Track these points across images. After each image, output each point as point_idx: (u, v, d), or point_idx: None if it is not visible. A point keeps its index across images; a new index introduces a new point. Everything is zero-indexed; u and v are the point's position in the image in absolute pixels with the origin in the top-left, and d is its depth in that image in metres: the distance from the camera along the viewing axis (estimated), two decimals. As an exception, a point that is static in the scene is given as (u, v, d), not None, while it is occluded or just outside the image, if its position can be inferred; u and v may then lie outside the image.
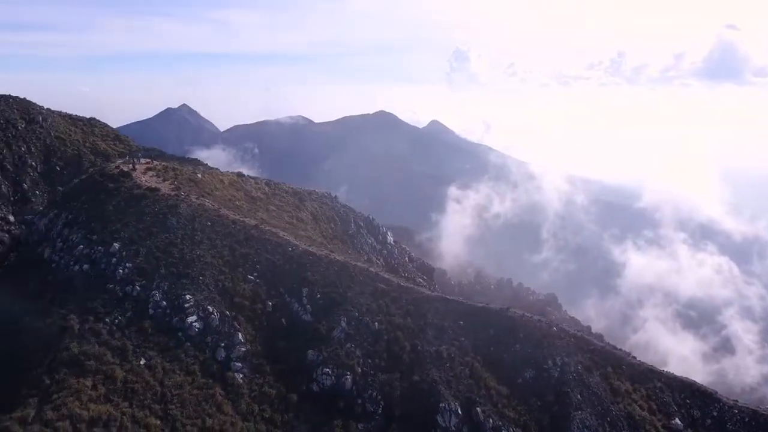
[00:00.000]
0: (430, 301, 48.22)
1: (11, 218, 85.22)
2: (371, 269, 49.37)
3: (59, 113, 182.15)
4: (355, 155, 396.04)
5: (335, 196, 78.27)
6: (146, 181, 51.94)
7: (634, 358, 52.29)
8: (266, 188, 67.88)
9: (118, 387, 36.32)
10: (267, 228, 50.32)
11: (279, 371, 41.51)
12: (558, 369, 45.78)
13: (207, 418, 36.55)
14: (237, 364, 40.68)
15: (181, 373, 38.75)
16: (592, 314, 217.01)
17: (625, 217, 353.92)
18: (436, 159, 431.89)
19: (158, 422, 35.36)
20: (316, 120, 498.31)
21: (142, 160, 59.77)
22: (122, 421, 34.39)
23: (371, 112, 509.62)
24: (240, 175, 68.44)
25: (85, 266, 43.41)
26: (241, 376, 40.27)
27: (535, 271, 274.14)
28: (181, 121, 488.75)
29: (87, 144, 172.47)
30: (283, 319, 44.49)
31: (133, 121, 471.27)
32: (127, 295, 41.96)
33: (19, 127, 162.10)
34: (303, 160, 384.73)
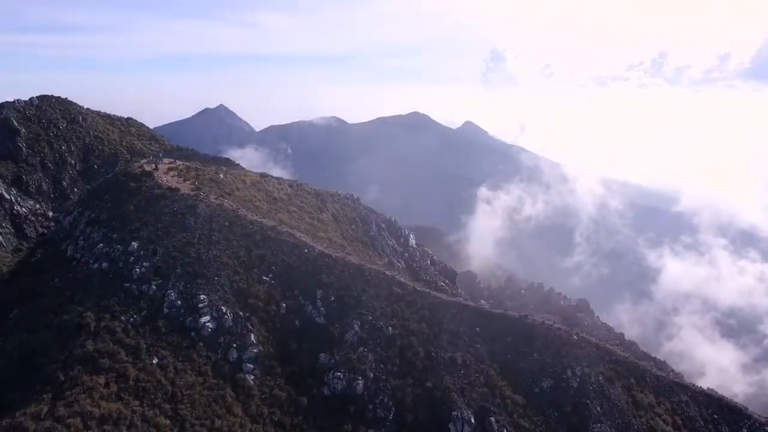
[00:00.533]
0: (446, 306, 47.39)
1: (50, 214, 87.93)
2: (387, 272, 48.81)
3: (98, 113, 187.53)
4: (387, 156, 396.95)
5: (357, 198, 78.02)
6: (167, 181, 52.57)
7: (661, 369, 50.40)
8: (288, 189, 68.01)
9: (130, 385, 36.63)
10: (284, 229, 50.28)
11: (290, 373, 41.33)
12: (577, 379, 44.41)
13: (216, 419, 36.56)
14: (248, 365, 40.64)
15: (192, 373, 38.88)
16: (624, 320, 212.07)
17: (661, 221, 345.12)
18: (469, 160, 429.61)
19: (167, 422, 35.50)
20: (350, 121, 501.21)
21: (165, 160, 60.58)
22: (132, 420, 34.62)
23: (405, 113, 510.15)
24: (263, 175, 68.78)
25: (104, 264, 44.07)
26: (252, 377, 40.21)
27: (566, 275, 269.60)
28: (218, 121, 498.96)
29: (124, 143, 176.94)
30: (296, 321, 44.31)
31: (173, 120, 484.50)
32: (143, 294, 42.38)
33: (60, 127, 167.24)
34: (335, 160, 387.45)
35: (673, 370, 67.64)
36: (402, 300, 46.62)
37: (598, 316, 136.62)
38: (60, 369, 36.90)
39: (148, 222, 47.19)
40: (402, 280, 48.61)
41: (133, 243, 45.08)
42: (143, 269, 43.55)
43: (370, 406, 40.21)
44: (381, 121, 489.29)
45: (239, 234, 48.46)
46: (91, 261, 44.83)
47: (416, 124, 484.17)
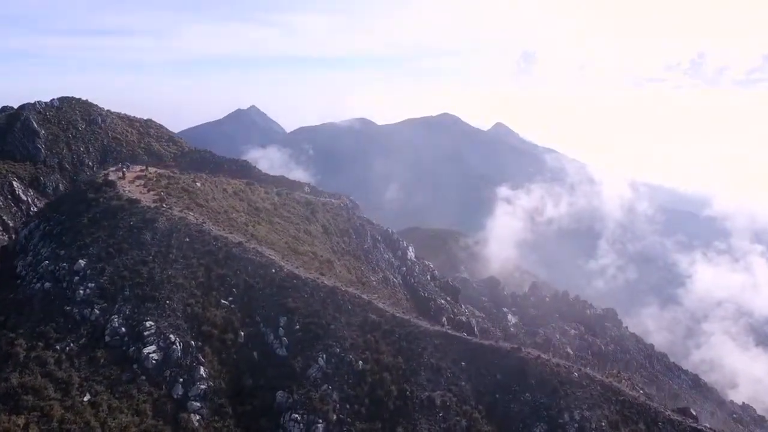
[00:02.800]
0: (429, 336, 41.93)
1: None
2: (364, 296, 43.60)
3: (118, 114, 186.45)
4: (410, 157, 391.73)
5: (354, 206, 73.04)
6: (130, 191, 48.34)
7: (675, 412, 44.03)
8: (276, 198, 63.42)
9: (53, 427, 32.28)
10: (252, 246, 45.50)
11: (242, 414, 36.55)
12: (576, 424, 38.66)
13: (148, 469, 32.03)
14: (195, 403, 35.99)
15: (128, 413, 34.38)
16: (650, 326, 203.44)
17: (692, 225, 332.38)
18: (498, 161, 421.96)
19: (92, 472, 31.10)
20: (380, 122, 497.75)
21: (135, 168, 56.44)
22: (48, 470, 30.31)
23: (434, 114, 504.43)
24: (249, 183, 64.27)
25: (47, 284, 39.96)
26: (198, 417, 35.56)
27: (590, 278, 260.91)
28: (249, 122, 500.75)
29: (142, 145, 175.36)
30: (254, 353, 39.49)
31: (206, 121, 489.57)
32: (85, 319, 38.09)
33: (80, 128, 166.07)
34: (358, 162, 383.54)
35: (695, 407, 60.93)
36: (378, 329, 41.37)
37: (626, 326, 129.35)
38: (-22, 406, 32.81)
39: (99, 237, 42.91)
40: (380, 305, 43.34)
41: (80, 261, 40.83)
42: (88, 291, 39.25)
43: (331, 455, 35.17)
44: (409, 123, 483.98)
45: (200, 251, 43.85)
46: (35, 280, 40.76)
47: (446, 124, 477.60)
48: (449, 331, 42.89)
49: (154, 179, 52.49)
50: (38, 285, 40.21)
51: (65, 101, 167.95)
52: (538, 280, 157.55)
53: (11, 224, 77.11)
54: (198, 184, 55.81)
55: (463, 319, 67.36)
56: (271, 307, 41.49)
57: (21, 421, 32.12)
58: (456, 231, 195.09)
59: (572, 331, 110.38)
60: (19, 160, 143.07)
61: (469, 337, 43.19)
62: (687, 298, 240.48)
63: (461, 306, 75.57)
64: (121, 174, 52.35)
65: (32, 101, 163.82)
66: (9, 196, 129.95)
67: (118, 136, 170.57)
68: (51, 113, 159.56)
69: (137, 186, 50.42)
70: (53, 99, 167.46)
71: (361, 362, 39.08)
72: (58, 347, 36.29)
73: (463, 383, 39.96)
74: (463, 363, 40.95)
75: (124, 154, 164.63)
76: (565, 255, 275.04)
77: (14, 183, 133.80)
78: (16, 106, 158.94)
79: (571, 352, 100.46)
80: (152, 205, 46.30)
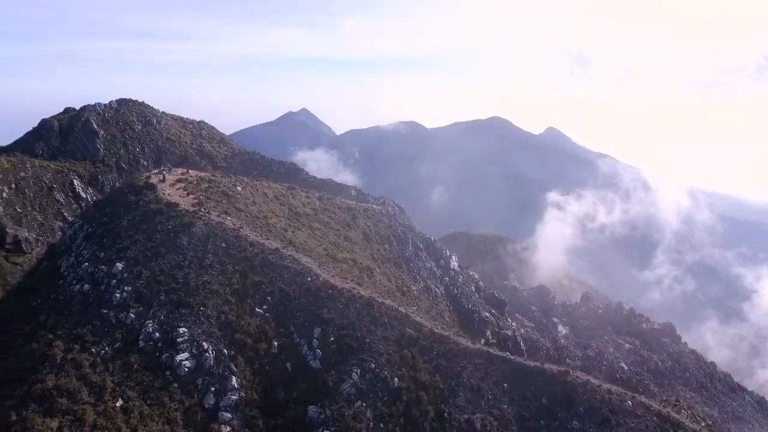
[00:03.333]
0: (469, 355, 39.74)
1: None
2: (401, 309, 41.82)
3: (172, 116, 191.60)
4: (459, 160, 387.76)
5: (398, 211, 71.33)
6: (169, 195, 48.29)
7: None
8: (317, 203, 62.47)
9: (84, 432, 32.05)
10: (288, 252, 44.49)
11: (273, 427, 35.43)
12: (628, 458, 35.54)
13: (176, 481, 31.28)
14: (226, 414, 35.13)
15: (159, 421, 33.89)
16: (710, 342, 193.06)
17: (757, 237, 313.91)
18: (549, 166, 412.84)
19: (120, 481, 30.59)
20: (429, 125, 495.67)
21: (177, 170, 56.55)
22: (78, 477, 29.96)
23: (484, 117, 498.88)
24: (291, 188, 63.55)
25: (86, 286, 40.11)
26: (228, 429, 34.71)
27: (644, 289, 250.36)
28: (299, 124, 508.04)
29: (194, 146, 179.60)
30: (288, 364, 38.36)
31: (259, 123, 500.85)
32: (120, 323, 37.94)
33: (136, 129, 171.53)
34: (406, 165, 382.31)
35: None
36: (415, 345, 39.49)
37: (685, 342, 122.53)
38: (15, 406, 32.93)
39: (138, 240, 42.86)
40: (418, 319, 41.45)
41: (118, 264, 40.82)
42: (124, 294, 39.15)
43: (362, 476, 33.55)
44: (458, 126, 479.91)
45: (236, 257, 43.16)
46: (75, 281, 41.02)
47: (496, 128, 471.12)
48: (491, 350, 40.54)
49: (195, 182, 52.41)
50: (78, 286, 40.42)
51: (123, 103, 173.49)
52: (589, 289, 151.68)
53: (72, 220, 79.10)
54: (239, 188, 55.43)
55: (509, 333, 64.55)
56: (305, 317, 40.31)
57: (54, 424, 32.04)
58: (504, 236, 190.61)
59: (627, 346, 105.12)
60: (79, 159, 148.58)
61: (512, 357, 40.71)
62: (752, 314, 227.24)
63: (507, 319, 72.56)
64: (162, 177, 52.47)
65: (93, 103, 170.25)
66: (70, 194, 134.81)
67: (172, 137, 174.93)
68: (110, 114, 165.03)
69: (177, 189, 50.41)
70: (112, 101, 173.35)
71: (396, 379, 37.32)
72: (93, 350, 36.21)
73: (504, 406, 37.58)
74: (505, 385, 38.56)
75: (177, 155, 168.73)
76: (618, 264, 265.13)
77: (75, 181, 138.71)
78: (78, 108, 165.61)
79: (626, 367, 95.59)
80: (190, 209, 46.04)
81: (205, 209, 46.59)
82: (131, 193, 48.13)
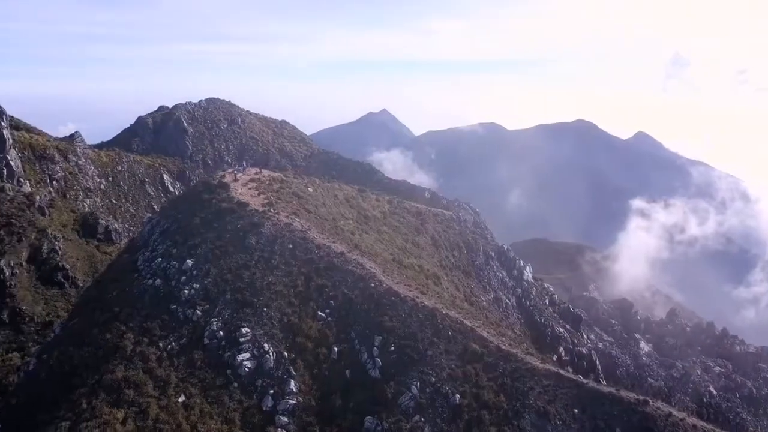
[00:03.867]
0: (538, 375, 37.31)
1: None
2: (466, 322, 40.01)
3: (256, 115, 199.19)
4: (541, 163, 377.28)
5: (467, 218, 69.23)
6: (241, 194, 49.05)
7: None
8: (386, 206, 61.74)
9: (147, 425, 32.85)
10: (354, 257, 43.88)
11: (329, 436, 34.76)
12: (714, 505, 31.95)
13: (230, 482, 31.32)
14: (283, 418, 34.90)
15: (218, 420, 34.16)
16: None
17: None
18: (636, 172, 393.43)
19: (177, 476, 31.01)
20: (510, 127, 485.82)
21: (251, 170, 57.55)
22: (139, 469, 30.65)
23: (569, 120, 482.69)
24: (361, 190, 63.21)
25: (158, 281, 41.35)
26: (284, 433, 34.39)
27: (738, 307, 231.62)
28: (379, 125, 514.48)
29: (276, 145, 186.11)
30: (347, 371, 37.61)
31: (340, 123, 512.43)
32: (188, 319, 38.73)
33: (222, 127, 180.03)
34: (483, 167, 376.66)
35: None
36: (479, 361, 37.61)
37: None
38: (86, 395, 34.31)
39: (208, 238, 43.75)
40: (484, 334, 39.49)
41: (188, 261, 41.82)
42: (192, 291, 39.98)
43: (417, 495, 32.19)
44: (542, 128, 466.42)
45: (302, 259, 43.05)
46: (148, 276, 42.40)
47: (581, 131, 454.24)
48: (561, 372, 37.86)
49: (267, 183, 53.09)
50: (150, 281, 41.74)
51: (211, 102, 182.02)
52: (673, 303, 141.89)
53: (150, 216, 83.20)
54: (310, 190, 55.64)
55: (584, 351, 60.81)
56: (367, 324, 39.47)
57: (120, 415, 33.03)
58: (584, 245, 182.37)
59: (717, 369, 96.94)
60: (169, 154, 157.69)
61: (584, 381, 37.82)
62: None
63: (583, 335, 68.57)
64: (235, 176, 53.60)
65: (184, 102, 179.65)
66: (160, 187, 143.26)
67: (255, 136, 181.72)
68: (198, 113, 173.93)
69: (249, 189, 51.23)
70: (201, 100, 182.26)
71: (458, 396, 35.64)
72: (160, 344, 37.13)
73: (574, 434, 34.91)
74: (575, 410, 35.82)
75: (259, 153, 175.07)
76: (709, 279, 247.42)
77: (164, 175, 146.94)
78: (170, 106, 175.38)
79: (714, 392, 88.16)
80: (260, 209, 46.53)
81: (274, 210, 46.98)
82: (205, 191, 49.41)
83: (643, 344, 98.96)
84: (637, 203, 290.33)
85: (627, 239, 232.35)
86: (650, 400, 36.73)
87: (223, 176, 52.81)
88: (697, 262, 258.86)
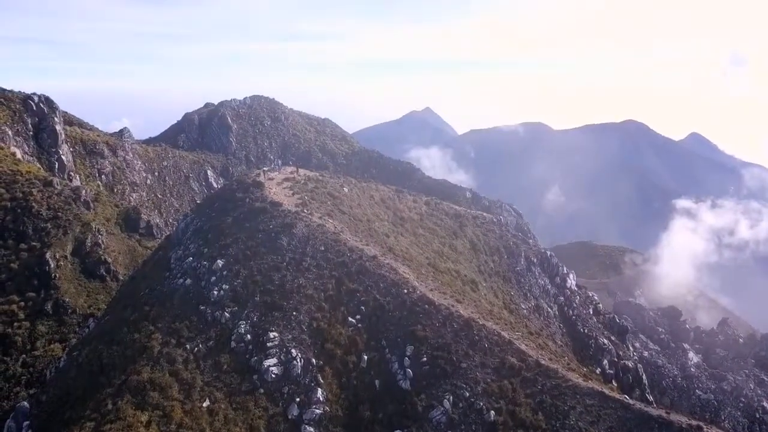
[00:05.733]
0: (580, 394, 34.78)
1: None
2: (504, 334, 37.78)
3: (299, 113, 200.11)
4: (586, 164, 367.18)
5: (507, 221, 66.58)
6: (274, 194, 48.11)
7: None
8: (423, 208, 59.85)
9: (171, 430, 32.12)
10: (387, 261, 42.22)
11: (355, 449, 33.30)
12: None
13: (252, 494, 30.23)
14: (309, 428, 33.61)
15: (242, 427, 33.16)
16: None
17: None
18: (688, 174, 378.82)
19: (198, 484, 30.14)
20: (558, 126, 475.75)
21: (286, 169, 56.61)
22: (160, 475, 29.92)
23: (618, 121, 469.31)
24: (398, 191, 61.46)
25: (188, 281, 40.79)
26: (309, 444, 33.12)
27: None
28: (421, 123, 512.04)
29: (317, 143, 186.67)
30: (376, 381, 36.03)
31: (384, 121, 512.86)
32: (216, 321, 37.96)
33: (265, 124, 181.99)
34: (524, 166, 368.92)
35: None
36: (517, 376, 35.37)
37: None
38: (111, 395, 33.94)
39: (240, 238, 42.93)
40: (523, 347, 37.19)
41: (218, 261, 41.09)
42: (221, 292, 39.19)
43: None
44: (589, 129, 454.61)
45: (334, 262, 41.68)
46: (179, 275, 41.92)
47: (630, 132, 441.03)
48: (606, 391, 35.21)
49: (302, 182, 52.05)
50: (181, 280, 41.23)
51: (255, 99, 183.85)
52: (722, 310, 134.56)
53: (185, 213, 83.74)
54: (345, 190, 54.31)
55: (630, 364, 57.42)
56: (398, 332, 37.77)
57: (144, 418, 32.43)
58: (628, 248, 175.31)
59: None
60: (213, 150, 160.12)
61: (631, 402, 35.05)
62: None
63: (629, 347, 64.97)
64: (271, 175, 52.76)
65: (229, 99, 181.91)
66: (203, 183, 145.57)
67: (298, 133, 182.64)
68: (243, 110, 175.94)
69: (283, 188, 50.28)
70: (246, 97, 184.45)
71: (493, 412, 33.54)
72: (188, 346, 36.46)
73: (618, 459, 32.34)
74: (620, 434, 33.21)
75: (302, 151, 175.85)
76: (761, 286, 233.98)
77: (208, 171, 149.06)
78: (216, 103, 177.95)
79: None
80: (293, 210, 45.44)
81: (307, 210, 45.81)
82: (239, 190, 48.70)
83: (691, 354, 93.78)
84: (682, 203, 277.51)
85: (669, 239, 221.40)
86: (704, 426, 33.73)
87: (258, 175, 52.02)
88: (747, 266, 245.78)
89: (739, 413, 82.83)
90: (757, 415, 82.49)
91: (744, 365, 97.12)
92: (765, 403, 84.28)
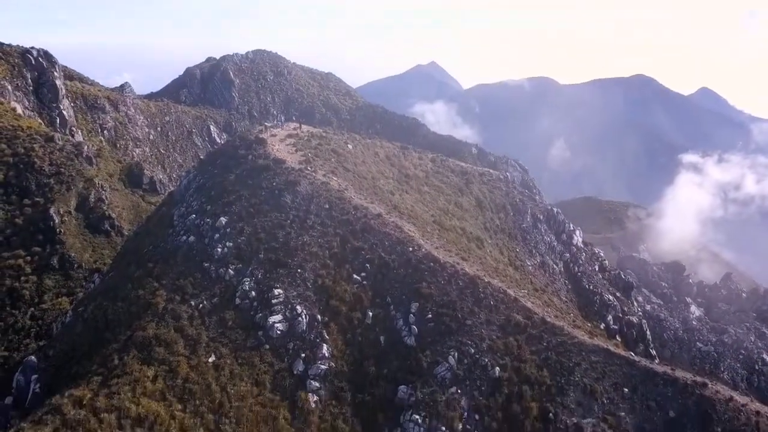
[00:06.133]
0: (585, 350, 34.85)
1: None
2: (510, 291, 37.58)
3: (302, 67, 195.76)
4: (594, 118, 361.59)
5: (514, 178, 65.68)
6: (277, 151, 47.19)
7: None
8: (429, 165, 58.93)
9: (177, 384, 32.36)
10: (391, 219, 41.74)
11: (360, 403, 33.62)
12: (775, 499, 29.35)
13: (259, 446, 30.67)
14: (314, 383, 33.85)
15: (248, 382, 33.39)
16: None
17: None
18: (696, 129, 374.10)
19: (206, 437, 30.54)
20: (564, 81, 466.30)
21: (290, 125, 55.43)
22: (168, 427, 30.30)
23: (627, 75, 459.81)
24: (404, 147, 60.38)
25: (192, 238, 40.48)
26: (315, 398, 33.42)
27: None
28: (426, 78, 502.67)
29: (321, 97, 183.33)
30: (381, 337, 36.11)
31: (387, 76, 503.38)
32: (220, 278, 37.83)
33: (268, 79, 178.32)
34: (530, 121, 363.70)
35: None
36: (522, 333, 35.36)
37: None
38: (117, 351, 34.11)
39: (243, 196, 42.36)
40: (528, 304, 37.05)
41: (222, 218, 40.65)
42: (225, 250, 38.93)
43: (451, 470, 30.83)
44: (597, 83, 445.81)
45: (338, 220, 41.21)
46: (182, 232, 41.60)
47: (639, 87, 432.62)
48: (612, 348, 35.22)
49: (306, 139, 51.03)
50: (184, 237, 40.93)
51: (258, 54, 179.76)
52: (725, 264, 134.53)
53: (188, 170, 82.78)
54: (349, 146, 53.32)
55: (634, 320, 57.58)
56: (403, 289, 37.63)
57: (150, 373, 32.64)
58: (632, 203, 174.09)
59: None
60: (216, 106, 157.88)
61: (636, 359, 35.13)
62: None
63: (633, 303, 65.04)
64: (273, 132, 51.67)
65: (231, 53, 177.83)
66: (206, 138, 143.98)
67: (301, 88, 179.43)
68: (245, 65, 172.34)
69: (287, 145, 49.32)
70: (248, 51, 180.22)
71: (498, 369, 33.67)
72: (192, 303, 36.43)
73: (622, 414, 32.60)
74: (625, 389, 33.39)
75: (305, 106, 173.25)
76: (766, 241, 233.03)
77: (211, 127, 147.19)
78: (218, 58, 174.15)
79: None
80: (296, 167, 44.67)
81: (311, 167, 45.06)
82: (242, 146, 47.77)
83: (693, 308, 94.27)
84: (689, 157, 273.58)
85: (674, 194, 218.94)
86: (709, 383, 33.84)
87: (261, 131, 50.98)
88: (753, 222, 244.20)
89: (738, 365, 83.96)
90: (756, 367, 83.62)
91: (745, 319, 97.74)
92: (765, 356, 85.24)
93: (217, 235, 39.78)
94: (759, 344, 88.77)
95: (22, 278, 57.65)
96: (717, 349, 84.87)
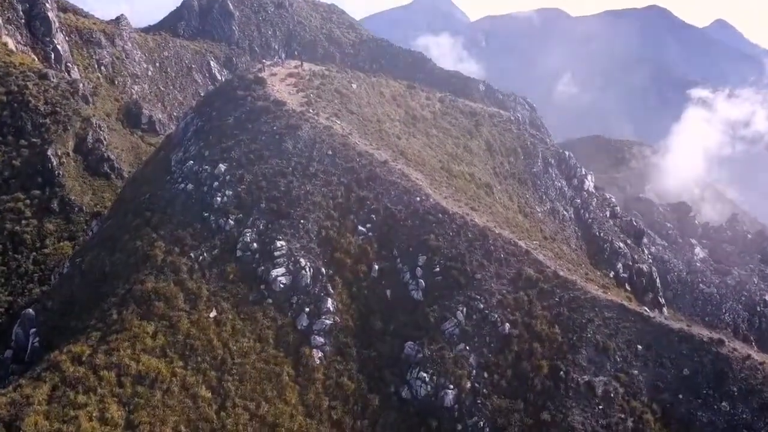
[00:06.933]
0: (598, 306, 33.68)
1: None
2: (521, 243, 36.08)
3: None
4: (604, 53, 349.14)
5: (525, 119, 62.91)
6: (278, 91, 44.43)
7: None
8: (437, 105, 56.08)
9: (178, 340, 31.48)
10: (398, 166, 39.66)
11: (366, 360, 32.87)
12: (789, 457, 28.92)
13: (263, 403, 30.09)
14: (319, 338, 32.97)
15: (251, 338, 32.50)
16: None
17: None
18: (709, 64, 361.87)
19: (208, 394, 29.92)
20: (575, 13, 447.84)
21: (290, 63, 52.27)
22: (170, 385, 29.63)
23: (640, 7, 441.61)
24: (410, 86, 57.32)
25: (190, 186, 38.63)
26: (320, 354, 32.64)
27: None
28: (432, 8, 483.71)
29: (324, 31, 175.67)
30: (387, 291, 34.95)
31: (392, 7, 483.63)
32: (220, 229, 36.26)
33: (269, 11, 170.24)
34: (538, 55, 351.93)
35: None
36: (533, 287, 34.10)
37: None
38: (116, 305, 33.04)
39: (242, 141, 40.12)
40: (540, 257, 35.62)
41: (221, 165, 38.65)
42: (225, 198, 37.17)
43: (459, 427, 30.35)
44: (608, 15, 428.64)
45: (342, 167, 39.14)
46: (180, 179, 39.71)
47: (652, 19, 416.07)
48: (626, 304, 34.06)
49: (307, 78, 48.07)
50: (183, 185, 39.09)
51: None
52: (729, 202, 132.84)
53: (185, 112, 79.62)
54: (354, 86, 50.42)
55: (644, 268, 56.52)
56: (410, 241, 36.10)
57: (150, 328, 31.69)
58: (641, 142, 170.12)
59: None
60: (216, 40, 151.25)
61: (651, 314, 34.01)
62: None
63: (644, 251, 63.79)
64: (274, 70, 48.68)
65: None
66: (206, 74, 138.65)
67: (303, 21, 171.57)
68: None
69: (288, 85, 46.49)
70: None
71: (508, 325, 32.64)
72: (192, 255, 35.04)
73: (635, 372, 31.82)
74: (639, 347, 32.47)
75: (307, 40, 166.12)
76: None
77: (211, 62, 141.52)
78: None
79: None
80: (298, 109, 42.10)
81: (314, 110, 42.49)
82: (240, 87, 44.87)
83: (698, 250, 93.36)
84: (698, 92, 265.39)
85: (680, 130, 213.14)
86: (726, 340, 32.82)
87: (260, 70, 47.95)
88: (761, 160, 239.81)
89: (740, 306, 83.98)
90: (758, 309, 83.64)
91: (750, 260, 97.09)
92: (767, 297, 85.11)
93: (216, 183, 37.91)
94: (762, 286, 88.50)
95: (23, 222, 56.47)
96: (720, 290, 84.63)
